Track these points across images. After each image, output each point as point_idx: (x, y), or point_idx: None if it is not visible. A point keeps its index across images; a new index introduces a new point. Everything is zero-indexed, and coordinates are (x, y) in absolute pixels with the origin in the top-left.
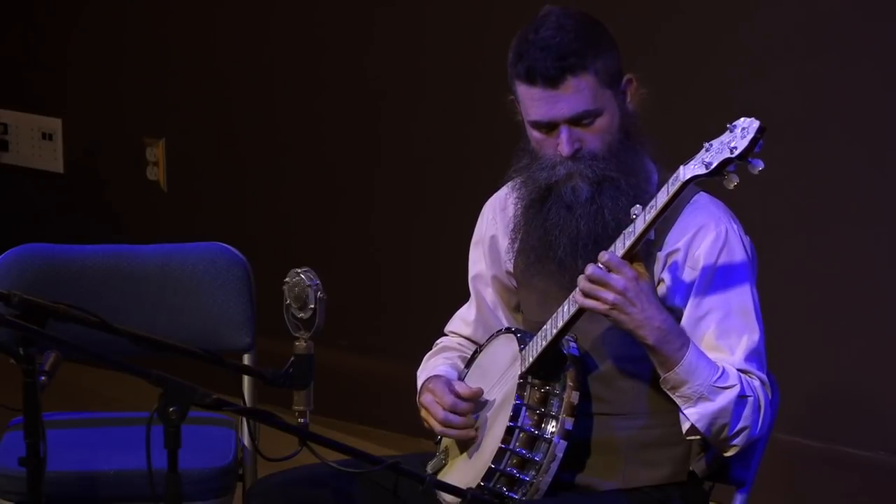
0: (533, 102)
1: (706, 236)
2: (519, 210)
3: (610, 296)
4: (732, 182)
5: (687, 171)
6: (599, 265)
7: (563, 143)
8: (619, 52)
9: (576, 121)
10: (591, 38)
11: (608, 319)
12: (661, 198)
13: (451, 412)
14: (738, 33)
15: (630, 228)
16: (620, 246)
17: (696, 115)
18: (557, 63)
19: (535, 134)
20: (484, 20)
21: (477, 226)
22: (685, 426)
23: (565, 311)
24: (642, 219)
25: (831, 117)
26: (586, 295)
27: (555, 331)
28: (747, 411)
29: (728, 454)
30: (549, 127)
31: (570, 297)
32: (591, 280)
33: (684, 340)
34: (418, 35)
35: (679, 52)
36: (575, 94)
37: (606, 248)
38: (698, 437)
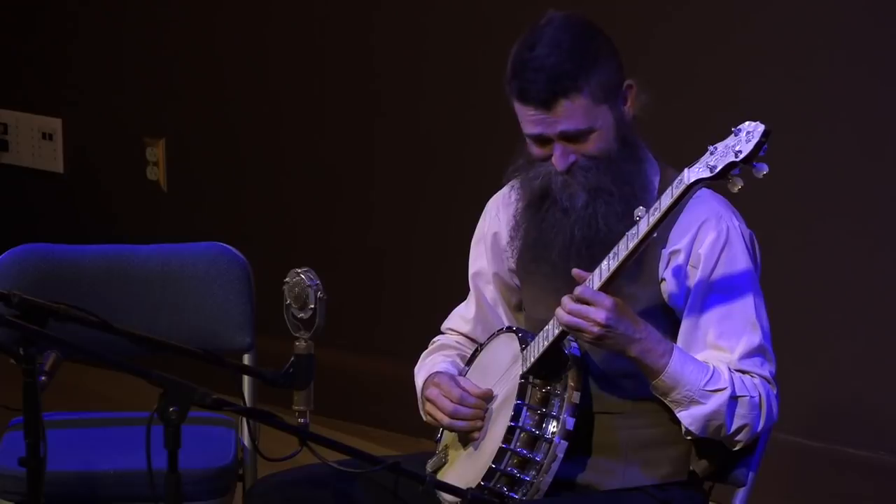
0: (527, 119)
1: (708, 235)
2: (519, 209)
3: (595, 329)
4: (737, 185)
5: (691, 175)
6: (574, 299)
7: (556, 159)
8: (618, 59)
9: (568, 138)
10: (586, 54)
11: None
12: (665, 201)
13: (460, 405)
14: (739, 33)
15: (634, 230)
16: (624, 248)
17: (697, 116)
18: (549, 86)
19: (531, 144)
20: (485, 18)
21: (479, 223)
22: (684, 427)
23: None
24: (646, 221)
25: (831, 117)
26: (570, 327)
27: (556, 331)
28: (743, 410)
29: (734, 449)
30: (544, 141)
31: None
32: (572, 314)
33: (666, 348)
34: (419, 33)
35: (679, 53)
36: (567, 115)
37: (598, 253)
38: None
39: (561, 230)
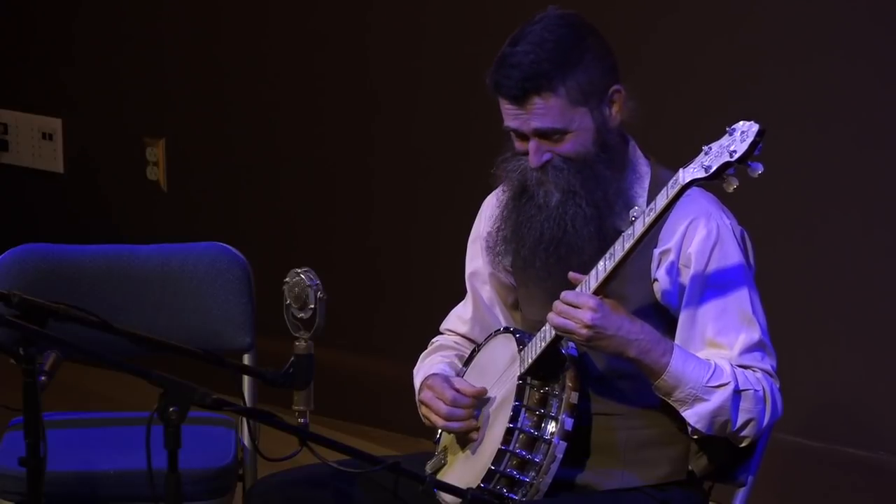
0: (504, 112)
1: (696, 234)
2: (503, 201)
3: (583, 331)
4: (732, 185)
5: (686, 175)
6: (562, 302)
7: (531, 155)
8: (609, 62)
9: (543, 135)
10: (569, 55)
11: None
12: (661, 201)
13: (453, 406)
14: (736, 33)
15: (629, 231)
16: (620, 249)
17: (694, 115)
18: (522, 83)
19: (513, 137)
20: (481, 18)
21: (475, 223)
22: (690, 426)
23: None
24: (641, 221)
25: (830, 117)
26: (559, 330)
27: (552, 332)
28: (747, 404)
29: (741, 445)
30: (522, 136)
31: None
32: (560, 315)
33: (666, 347)
34: (416, 33)
35: (677, 52)
36: (540, 113)
37: (565, 254)
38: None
39: (532, 226)
